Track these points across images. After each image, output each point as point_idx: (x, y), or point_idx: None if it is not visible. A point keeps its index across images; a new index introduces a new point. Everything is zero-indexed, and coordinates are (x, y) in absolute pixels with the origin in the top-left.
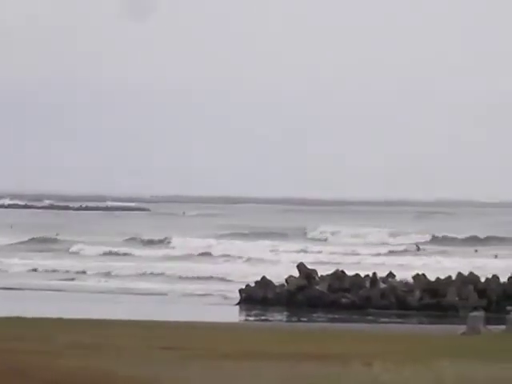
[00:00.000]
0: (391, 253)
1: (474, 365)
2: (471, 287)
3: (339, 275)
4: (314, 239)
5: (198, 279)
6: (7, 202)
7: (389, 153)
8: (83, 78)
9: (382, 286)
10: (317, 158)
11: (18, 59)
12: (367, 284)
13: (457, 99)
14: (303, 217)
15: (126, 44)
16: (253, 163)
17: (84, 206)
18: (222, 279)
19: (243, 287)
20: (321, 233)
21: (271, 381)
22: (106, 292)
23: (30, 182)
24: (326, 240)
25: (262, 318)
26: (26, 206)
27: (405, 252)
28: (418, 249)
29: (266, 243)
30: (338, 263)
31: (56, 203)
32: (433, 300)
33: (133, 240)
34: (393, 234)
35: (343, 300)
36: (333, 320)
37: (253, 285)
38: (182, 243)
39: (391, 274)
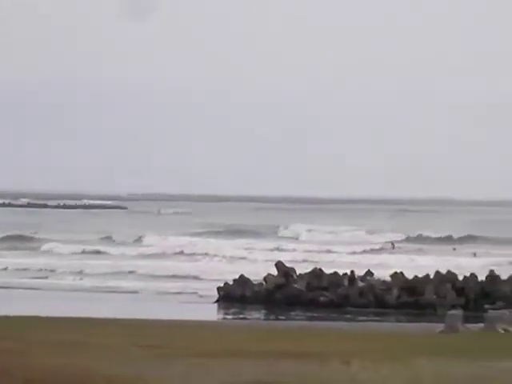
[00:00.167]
0: (365, 251)
1: (452, 363)
2: (449, 285)
3: (317, 273)
4: (286, 237)
5: (173, 277)
6: None
7: (372, 152)
8: (81, 78)
9: (360, 284)
10: (295, 158)
11: (17, 59)
12: (345, 282)
13: (453, 98)
14: (279, 215)
15: (125, 44)
16: (228, 162)
17: (62, 204)
18: (196, 277)
19: (218, 285)
20: (294, 231)
21: (250, 379)
22: (80, 290)
23: (6, 180)
24: (298, 238)
25: (240, 316)
26: (2, 205)
27: (380, 250)
28: (393, 247)
29: (240, 241)
30: (311, 261)
31: (33, 201)
32: (411, 298)
33: (107, 238)
34: (368, 232)
35: (321, 298)
36: (311, 318)
37: (231, 283)
38: (156, 241)
39: (369, 273)
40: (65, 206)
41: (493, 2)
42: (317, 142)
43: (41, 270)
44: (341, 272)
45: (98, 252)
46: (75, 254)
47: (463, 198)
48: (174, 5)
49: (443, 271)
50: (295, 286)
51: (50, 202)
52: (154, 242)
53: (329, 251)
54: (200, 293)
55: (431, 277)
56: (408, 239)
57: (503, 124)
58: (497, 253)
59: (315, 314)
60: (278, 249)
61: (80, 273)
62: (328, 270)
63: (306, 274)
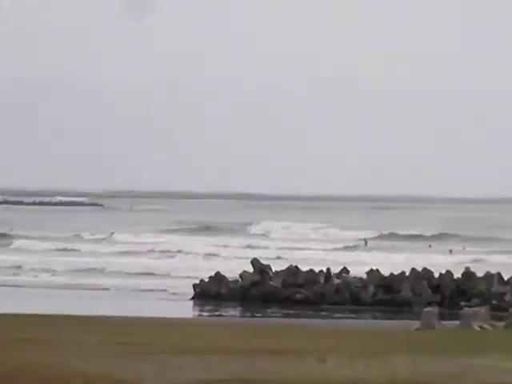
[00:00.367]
0: (337, 249)
1: (428, 360)
2: (425, 283)
3: (293, 271)
4: (258, 234)
5: (143, 275)
6: None
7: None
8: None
9: (336, 281)
10: (268, 156)
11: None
12: (321, 280)
13: (429, 98)
14: (251, 212)
15: (125, 43)
16: (201, 160)
17: (38, 201)
18: (167, 275)
19: (189, 282)
20: (266, 228)
21: (225, 376)
22: (52, 287)
23: None
24: (270, 236)
25: (216, 313)
26: None
27: (353, 248)
28: (366, 244)
29: (212, 239)
30: (283, 258)
31: (9, 198)
32: (387, 296)
33: (79, 235)
34: (342, 230)
35: (297, 295)
36: (287, 315)
37: (200, 280)
38: (127, 239)
39: (345, 270)
40: (41, 203)
41: (493, 2)
42: (293, 141)
43: (11, 266)
44: (319, 270)
45: (68, 249)
46: (47, 250)
47: (439, 195)
48: (174, 5)
49: (414, 268)
50: (271, 283)
51: (25, 199)
52: (124, 239)
53: (301, 248)
54: (170, 290)
55: (407, 274)
56: (381, 236)
57: (479, 124)
58: (469, 250)
59: (291, 311)
60: (249, 246)
61: (50, 270)
62: (300, 267)
63: (281, 271)
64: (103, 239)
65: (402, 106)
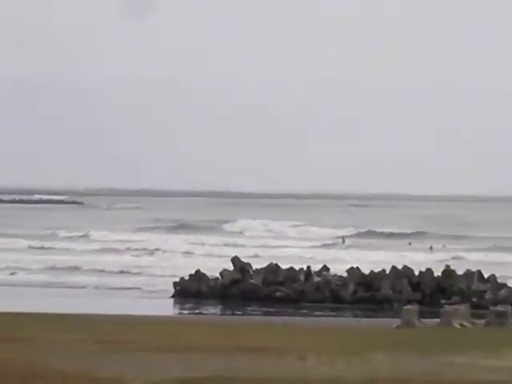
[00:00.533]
0: (315, 246)
1: (408, 358)
2: (405, 281)
3: (273, 268)
4: (235, 232)
5: (119, 272)
6: None
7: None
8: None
9: (316, 279)
10: (244, 154)
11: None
12: (301, 277)
13: (410, 98)
14: (230, 210)
15: (125, 43)
16: (179, 158)
17: (17, 199)
18: (143, 272)
19: (164, 280)
20: (243, 226)
21: (205, 374)
22: (28, 286)
23: None
24: (246, 234)
25: (196, 311)
26: None
27: (330, 245)
28: (343, 242)
29: (189, 237)
30: (259, 256)
31: None
32: (367, 293)
33: (55, 234)
34: (320, 227)
35: (277, 293)
36: (267, 313)
37: (176, 278)
38: (104, 237)
39: (325, 268)
40: (21, 201)
41: (494, 3)
42: (269, 140)
43: None
44: (300, 267)
45: (45, 247)
46: (23, 248)
47: (416, 193)
48: (174, 5)
49: (394, 266)
50: (251, 281)
51: (4, 197)
52: (101, 237)
53: (277, 246)
54: (146, 288)
55: (387, 272)
56: (359, 234)
57: (456, 123)
58: (439, 247)
59: (271, 309)
60: (226, 244)
61: (26, 268)
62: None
63: (262, 269)
64: (80, 237)
65: (390, 105)
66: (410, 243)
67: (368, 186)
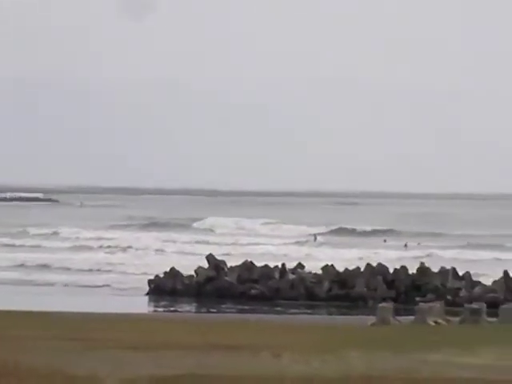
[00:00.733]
0: (286, 244)
1: (383, 355)
2: (380, 278)
3: (248, 266)
4: (207, 230)
5: (92, 271)
6: None
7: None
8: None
9: (291, 277)
10: (220, 153)
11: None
12: (276, 275)
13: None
14: (204, 208)
15: (125, 43)
16: (149, 155)
17: None
18: (114, 270)
19: (135, 278)
20: (214, 224)
21: (180, 372)
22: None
23: None
24: (216, 231)
25: (171, 308)
26: None
27: (302, 243)
28: (315, 239)
29: (160, 234)
30: (230, 254)
31: None
32: (342, 291)
33: (25, 231)
34: (293, 224)
35: (252, 291)
36: (242, 311)
37: (145, 275)
38: (75, 234)
39: (300, 265)
40: None
41: (495, 4)
42: (246, 138)
43: None
44: (267, 264)
45: (16, 245)
46: None
47: (392, 191)
48: (174, 4)
49: (369, 263)
50: (226, 278)
51: None
52: (72, 234)
53: (249, 243)
54: (116, 285)
55: (362, 270)
56: (331, 232)
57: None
58: (412, 245)
59: (246, 307)
60: (198, 242)
61: None
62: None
63: (236, 266)
64: (51, 235)
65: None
66: (384, 240)
67: (347, 184)
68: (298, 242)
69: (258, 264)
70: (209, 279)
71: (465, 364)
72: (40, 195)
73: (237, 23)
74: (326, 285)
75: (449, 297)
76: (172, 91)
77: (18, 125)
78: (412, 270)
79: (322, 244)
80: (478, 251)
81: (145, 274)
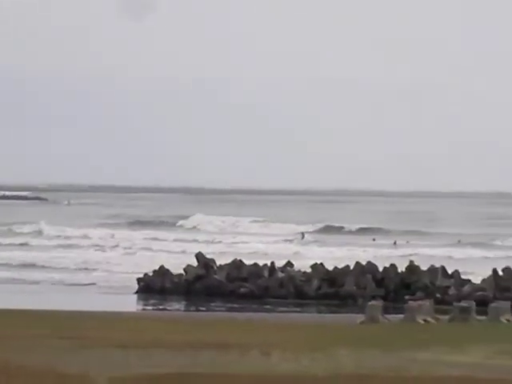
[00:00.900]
0: (272, 242)
1: (372, 353)
2: (369, 276)
3: (237, 264)
4: (192, 228)
5: (79, 269)
6: None
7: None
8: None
9: (280, 275)
10: (200, 150)
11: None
12: (265, 273)
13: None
14: (191, 206)
15: (125, 43)
16: (132, 153)
17: None
18: (100, 269)
19: (119, 276)
20: (198, 221)
21: (170, 370)
22: None
23: None
24: (201, 229)
25: (160, 307)
26: None
27: (290, 241)
28: (303, 237)
29: (144, 232)
30: (215, 252)
31: None
32: (331, 289)
33: (11, 229)
34: (281, 223)
35: (241, 289)
36: (231, 309)
37: (128, 274)
38: (60, 232)
39: (289, 264)
40: None
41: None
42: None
43: None
44: (256, 262)
45: (2, 244)
46: None
47: (378, 188)
48: (173, 4)
49: (358, 262)
50: (215, 276)
51: None
52: (57, 233)
53: (235, 242)
54: (101, 284)
55: (351, 268)
56: (320, 230)
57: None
58: (401, 243)
59: (235, 305)
60: (183, 240)
61: None
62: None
63: (226, 264)
64: (37, 233)
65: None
66: (374, 239)
67: (330, 182)
68: (286, 241)
69: (247, 262)
70: (198, 277)
71: (454, 362)
72: (28, 193)
73: (237, 23)
74: (316, 283)
75: (438, 295)
76: (172, 91)
77: (10, 124)
78: (401, 268)
79: (310, 242)
80: (468, 249)
81: (132, 272)
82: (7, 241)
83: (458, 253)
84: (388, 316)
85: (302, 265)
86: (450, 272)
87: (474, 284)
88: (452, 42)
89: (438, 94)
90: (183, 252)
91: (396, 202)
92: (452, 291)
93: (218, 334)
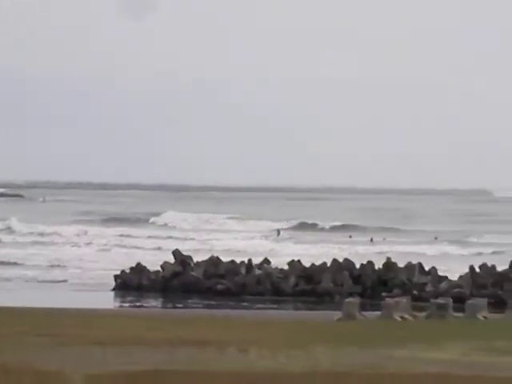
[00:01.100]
0: (250, 238)
1: (349, 350)
2: (346, 273)
3: (215, 261)
4: (166, 225)
5: (52, 266)
6: None
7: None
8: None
9: (258, 272)
10: (173, 147)
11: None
12: (242, 270)
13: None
14: (167, 203)
15: (125, 43)
16: (112, 150)
17: None
18: (73, 266)
19: (91, 273)
20: (170, 219)
21: (147, 367)
22: None
23: None
24: (173, 226)
25: (137, 304)
26: None
27: (265, 238)
28: (279, 234)
29: (116, 229)
30: (190, 249)
31: None
32: (308, 286)
33: None
34: (255, 220)
35: (218, 286)
36: (208, 306)
37: (104, 271)
38: (33, 229)
39: (266, 261)
40: None
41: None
42: (198, 131)
43: None
44: (233, 259)
45: None
46: None
47: (351, 186)
48: (173, 4)
49: (335, 259)
50: (192, 273)
51: None
52: (29, 229)
53: (209, 239)
54: (76, 281)
55: (328, 265)
56: (295, 227)
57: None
58: (388, 240)
59: (212, 302)
60: (155, 237)
61: None
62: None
63: (203, 261)
64: (8, 230)
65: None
66: (350, 236)
67: (308, 179)
68: (261, 237)
69: (225, 259)
70: (175, 274)
71: (431, 359)
72: (4, 190)
73: (237, 23)
74: (293, 280)
75: (415, 292)
76: (172, 91)
77: (10, 124)
78: (378, 265)
79: (285, 239)
80: (444, 246)
81: (108, 269)
82: None
83: (434, 250)
84: (365, 313)
85: (279, 262)
86: (427, 269)
87: (451, 281)
88: (452, 41)
89: (438, 93)
90: (158, 249)
91: (373, 199)
92: (429, 288)
93: (195, 331)
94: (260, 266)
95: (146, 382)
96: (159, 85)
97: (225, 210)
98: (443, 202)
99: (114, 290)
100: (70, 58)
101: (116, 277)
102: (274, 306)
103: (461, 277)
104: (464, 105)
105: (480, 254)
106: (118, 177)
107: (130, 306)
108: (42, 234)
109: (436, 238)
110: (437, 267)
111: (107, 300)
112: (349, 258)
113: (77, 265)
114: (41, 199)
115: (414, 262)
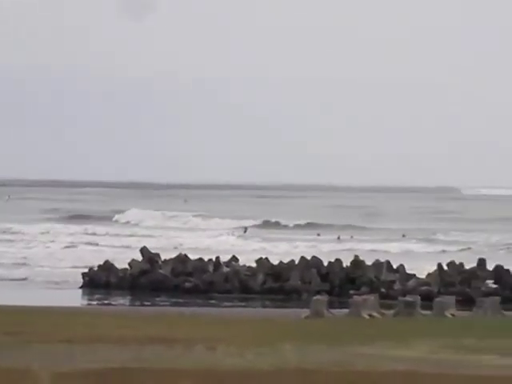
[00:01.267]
0: (215, 236)
1: (317, 348)
2: (314, 271)
3: (182, 259)
4: (129, 222)
5: (16, 264)
6: None
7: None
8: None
9: (226, 269)
10: (143, 144)
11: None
12: (210, 268)
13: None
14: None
15: (125, 43)
16: (132, 153)
17: None
18: (38, 264)
19: (51, 271)
20: (133, 216)
21: (114, 365)
22: None
23: None
24: (136, 223)
25: (105, 302)
26: None
27: (231, 235)
28: (245, 231)
29: (80, 227)
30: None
31: None
32: (276, 284)
33: None
34: (221, 218)
35: (186, 284)
36: (176, 304)
37: (70, 269)
38: None
39: (234, 258)
40: None
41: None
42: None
43: None
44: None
45: None
46: None
47: (324, 183)
48: (173, 4)
49: (303, 256)
50: (160, 271)
51: None
52: None
53: (174, 237)
54: (41, 279)
55: (296, 262)
56: (260, 225)
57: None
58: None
59: (180, 300)
60: (120, 234)
61: None
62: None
63: (170, 259)
64: None
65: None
66: (318, 234)
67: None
68: (228, 235)
69: (192, 257)
70: (143, 272)
71: (399, 357)
72: None
73: (237, 23)
74: (261, 278)
75: (383, 290)
76: (172, 91)
77: (10, 124)
78: (346, 263)
79: (252, 237)
80: (412, 244)
81: (74, 267)
82: None
83: (403, 247)
84: (333, 311)
85: (246, 259)
86: (394, 267)
87: (419, 279)
88: (452, 41)
89: (438, 93)
90: (123, 246)
91: (342, 197)
92: (397, 286)
93: (163, 329)
94: (228, 263)
95: (113, 379)
96: (159, 85)
97: (193, 208)
98: (412, 199)
99: (81, 287)
100: (70, 58)
101: (84, 274)
102: (242, 303)
103: (429, 274)
104: (464, 105)
105: (446, 251)
106: (118, 177)
107: (97, 304)
108: (5, 232)
109: (404, 236)
110: (405, 265)
111: (75, 298)
112: (317, 255)
113: (42, 263)
114: (6, 197)
115: (382, 259)
